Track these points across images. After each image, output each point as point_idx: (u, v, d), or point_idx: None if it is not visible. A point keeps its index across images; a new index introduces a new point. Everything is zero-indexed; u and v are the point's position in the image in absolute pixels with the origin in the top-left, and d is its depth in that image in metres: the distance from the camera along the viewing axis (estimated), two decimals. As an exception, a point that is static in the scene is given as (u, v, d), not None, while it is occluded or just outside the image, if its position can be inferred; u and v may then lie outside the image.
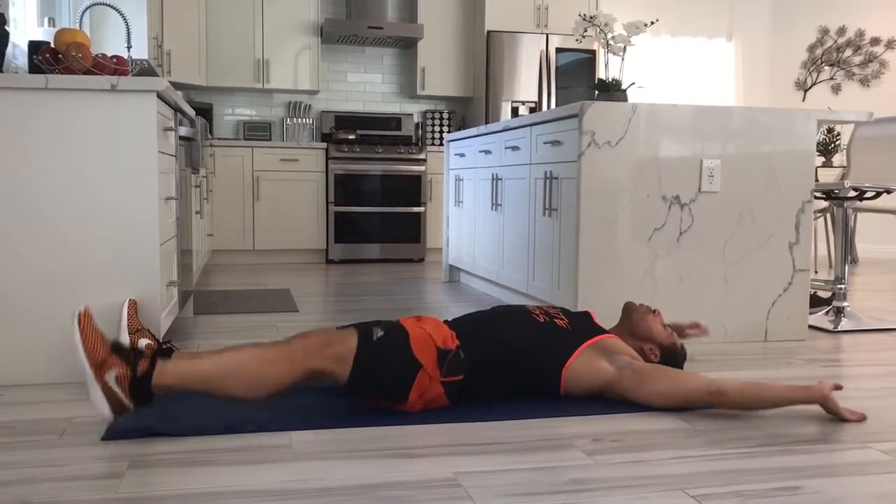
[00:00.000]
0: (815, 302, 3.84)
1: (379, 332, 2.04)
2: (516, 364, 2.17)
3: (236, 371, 1.90)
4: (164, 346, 2.19)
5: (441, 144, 6.94)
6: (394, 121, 6.92)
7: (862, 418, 2.09)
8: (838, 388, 2.11)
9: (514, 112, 6.53)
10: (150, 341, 2.23)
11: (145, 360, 1.85)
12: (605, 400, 2.21)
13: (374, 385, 2.05)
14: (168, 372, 1.86)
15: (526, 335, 2.19)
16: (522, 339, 2.18)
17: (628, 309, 2.45)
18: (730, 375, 2.60)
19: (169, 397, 1.94)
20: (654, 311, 2.43)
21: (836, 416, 2.09)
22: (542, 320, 2.25)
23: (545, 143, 3.41)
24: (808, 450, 1.85)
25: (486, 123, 6.52)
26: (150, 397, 1.86)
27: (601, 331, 2.29)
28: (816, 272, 5.87)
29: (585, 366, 2.18)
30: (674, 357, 2.38)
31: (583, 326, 2.28)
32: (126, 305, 2.31)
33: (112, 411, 1.83)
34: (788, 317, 3.21)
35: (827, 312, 3.58)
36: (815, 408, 2.18)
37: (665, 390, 2.11)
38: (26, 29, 3.97)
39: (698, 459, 1.78)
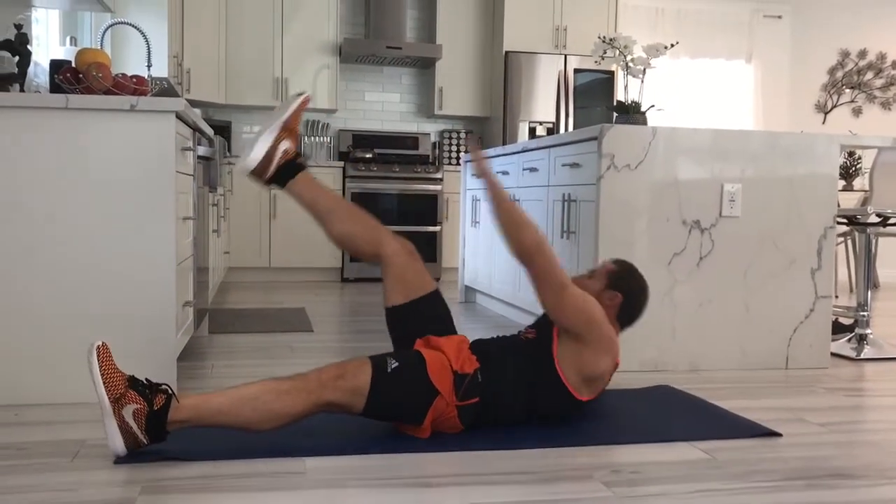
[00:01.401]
0: (837, 329, 3.79)
1: (393, 364, 2.03)
2: (520, 382, 2.14)
3: (250, 403, 1.88)
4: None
5: (458, 164, 6.94)
6: (411, 140, 6.92)
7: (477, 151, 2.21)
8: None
9: (532, 132, 6.52)
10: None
11: (161, 395, 1.84)
12: (625, 428, 2.17)
13: (390, 415, 2.05)
14: (183, 406, 1.85)
15: (515, 368, 2.16)
16: (513, 377, 2.15)
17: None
18: (749, 404, 2.55)
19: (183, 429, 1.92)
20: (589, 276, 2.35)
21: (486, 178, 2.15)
22: (523, 340, 2.24)
23: (564, 165, 3.39)
24: (833, 485, 1.80)
25: (503, 144, 6.51)
26: (165, 434, 1.85)
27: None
28: (837, 297, 5.80)
29: (570, 355, 2.14)
30: (627, 281, 2.30)
31: (544, 326, 2.24)
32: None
33: (126, 446, 1.82)
34: (810, 344, 3.16)
35: (849, 340, 3.52)
36: (839, 438, 2.14)
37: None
38: (49, 48, 4.00)
39: (720, 493, 1.73)
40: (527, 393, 2.15)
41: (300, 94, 2.35)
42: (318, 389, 1.93)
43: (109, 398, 1.79)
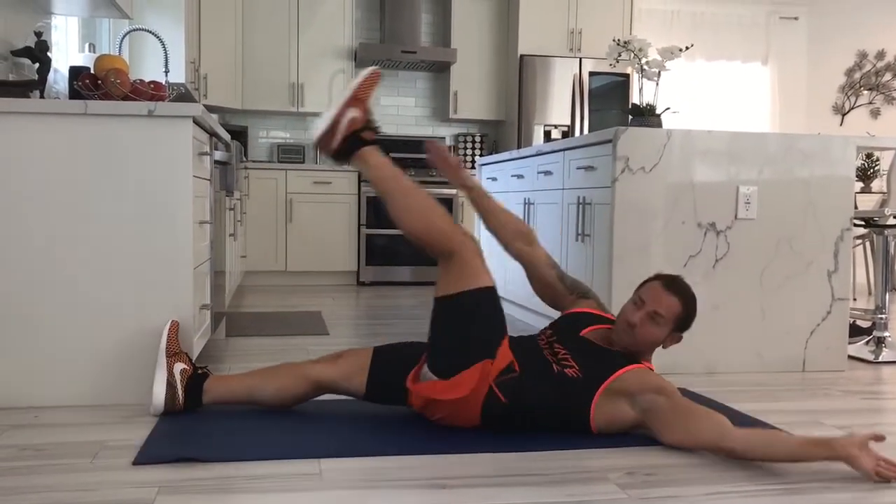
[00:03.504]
0: (855, 331, 3.76)
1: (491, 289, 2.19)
2: (547, 420, 2.14)
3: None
4: (199, 372, 2.24)
5: (473, 168, 6.95)
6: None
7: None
8: (879, 438, 1.83)
9: (547, 136, 6.52)
10: (185, 366, 2.25)
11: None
12: (640, 431, 2.17)
13: (454, 327, 2.09)
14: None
15: (545, 397, 2.10)
16: (543, 403, 2.11)
17: (611, 333, 2.25)
18: (766, 407, 2.54)
19: (200, 419, 2.01)
20: (636, 304, 2.19)
21: (864, 476, 1.82)
22: (555, 370, 2.12)
23: (578, 168, 3.39)
24: (848, 487, 1.79)
25: (518, 147, 6.51)
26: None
27: (613, 366, 2.11)
28: (855, 300, 5.76)
29: (610, 413, 2.09)
30: (689, 318, 2.20)
31: (593, 367, 2.12)
32: (167, 328, 2.34)
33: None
34: (827, 347, 3.14)
35: (867, 342, 3.50)
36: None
37: (681, 439, 2.01)
38: (68, 54, 4.05)
39: (735, 495, 1.73)
40: (549, 412, 2.13)
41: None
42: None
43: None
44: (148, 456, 1.89)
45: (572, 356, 2.15)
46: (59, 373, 2.42)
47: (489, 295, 2.11)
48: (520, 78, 6.49)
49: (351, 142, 2.25)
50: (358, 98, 2.27)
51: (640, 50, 3.46)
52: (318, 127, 2.21)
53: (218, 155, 3.24)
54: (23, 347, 2.40)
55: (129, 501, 1.63)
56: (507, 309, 4.74)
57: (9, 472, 1.81)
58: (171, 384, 2.14)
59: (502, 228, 2.52)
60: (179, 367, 2.14)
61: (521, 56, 6.48)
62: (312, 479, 1.78)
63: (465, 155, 7.05)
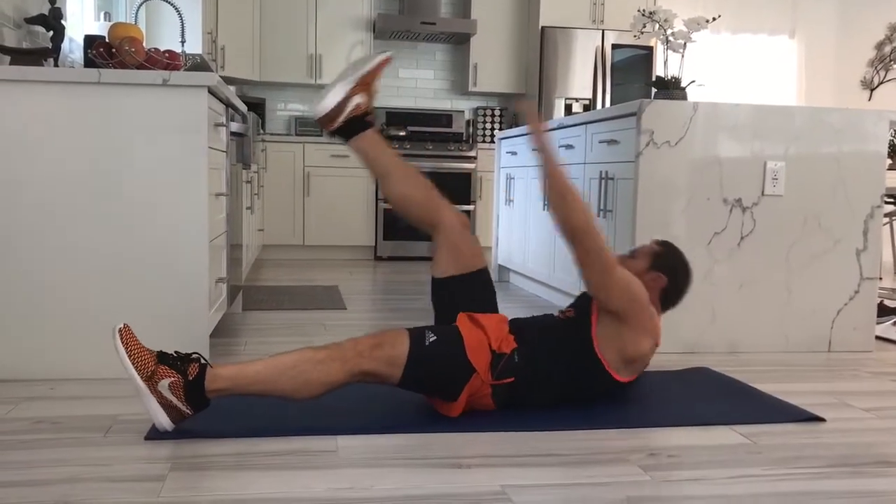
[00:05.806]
0: (883, 311, 3.68)
1: (431, 337, 2.00)
2: (558, 364, 2.10)
3: (287, 372, 1.88)
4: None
5: (492, 142, 6.87)
6: (445, 117, 6.86)
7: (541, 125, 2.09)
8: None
9: (568, 109, 6.42)
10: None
11: (194, 364, 1.84)
12: (662, 411, 2.12)
13: (426, 388, 2.03)
14: (219, 375, 1.85)
15: (554, 344, 2.13)
16: (551, 353, 2.11)
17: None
18: (791, 388, 2.48)
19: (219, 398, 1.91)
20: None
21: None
22: (561, 319, 2.21)
23: (601, 142, 3.32)
24: (879, 472, 1.74)
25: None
26: (207, 401, 1.85)
27: None
28: (881, 279, 5.65)
29: (604, 333, 2.09)
30: (671, 262, 2.25)
31: (583, 305, 2.19)
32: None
33: (172, 421, 1.82)
34: (854, 327, 3.07)
35: (894, 323, 3.42)
36: (885, 424, 2.06)
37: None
38: (83, 23, 4.01)
39: (761, 479, 1.68)
40: (563, 374, 2.10)
41: (383, 53, 2.30)
42: (355, 358, 1.91)
43: (142, 377, 1.79)
44: (161, 431, 1.86)
45: (571, 305, 2.25)
46: (74, 345, 2.40)
47: (417, 342, 1.98)
48: (541, 50, 6.38)
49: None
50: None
51: (666, 21, 3.36)
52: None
53: (234, 126, 3.19)
54: (38, 319, 2.38)
55: (141, 478, 1.61)
56: (529, 287, 4.69)
57: (22, 445, 1.79)
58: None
59: None
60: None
61: (543, 28, 6.37)
62: (329, 457, 1.75)
63: (485, 128, 6.97)
